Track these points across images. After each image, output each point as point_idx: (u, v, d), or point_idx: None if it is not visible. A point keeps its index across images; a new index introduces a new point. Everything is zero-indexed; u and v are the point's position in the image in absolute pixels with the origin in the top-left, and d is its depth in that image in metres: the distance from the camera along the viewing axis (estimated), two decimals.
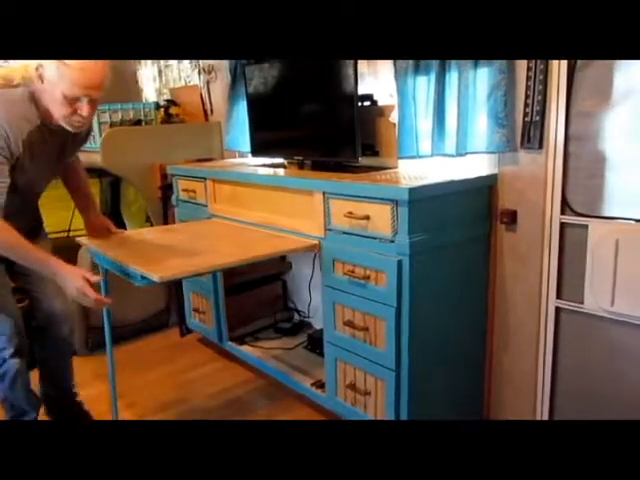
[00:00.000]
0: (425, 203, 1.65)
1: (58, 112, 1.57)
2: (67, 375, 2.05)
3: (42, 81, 1.53)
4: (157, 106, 3.16)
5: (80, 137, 1.82)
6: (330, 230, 1.87)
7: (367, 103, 2.18)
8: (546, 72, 1.66)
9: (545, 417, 1.86)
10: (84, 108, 1.56)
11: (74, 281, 1.57)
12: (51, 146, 1.70)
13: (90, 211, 1.98)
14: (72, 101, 1.54)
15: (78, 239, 1.95)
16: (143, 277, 1.59)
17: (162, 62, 3.54)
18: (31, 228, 1.80)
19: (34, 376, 1.97)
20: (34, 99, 1.59)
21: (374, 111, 2.19)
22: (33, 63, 1.54)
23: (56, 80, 1.50)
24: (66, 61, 1.47)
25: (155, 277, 1.55)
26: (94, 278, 1.61)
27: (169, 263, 1.69)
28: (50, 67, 1.50)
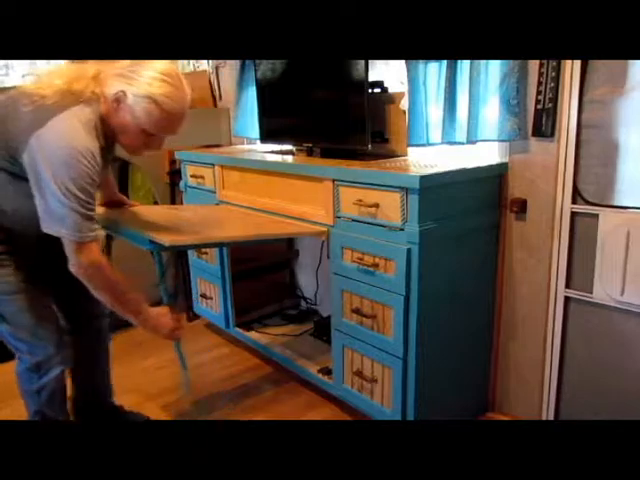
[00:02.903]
0: (435, 191, 1.64)
1: (127, 140, 1.49)
2: (107, 377, 1.97)
3: (118, 104, 1.41)
4: None
5: None
6: (339, 217, 1.87)
7: (377, 90, 2.17)
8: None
9: (552, 408, 1.86)
10: (157, 145, 1.51)
11: (165, 325, 1.63)
12: (104, 164, 1.56)
13: (109, 187, 1.95)
14: (148, 135, 1.46)
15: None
16: (152, 242, 1.59)
17: None
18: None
19: None
20: (102, 119, 1.45)
21: (384, 98, 2.17)
22: (112, 83, 1.40)
23: (140, 114, 1.40)
24: (157, 99, 1.38)
25: (165, 242, 1.54)
26: (180, 317, 1.67)
27: (178, 233, 1.69)
28: (136, 99, 1.38)
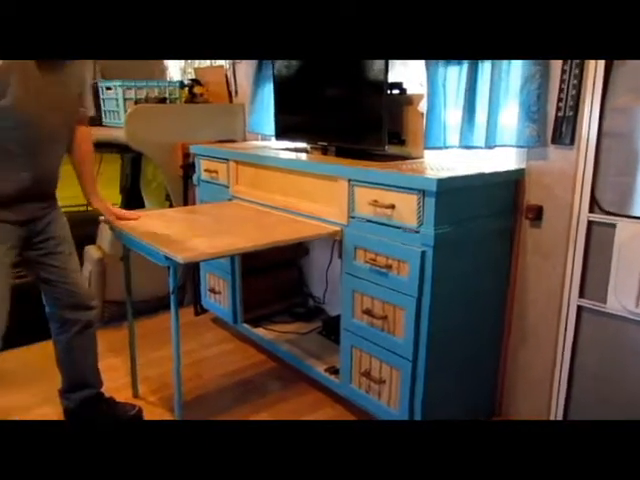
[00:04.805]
0: (452, 195, 1.64)
1: None
2: (95, 369, 1.99)
3: None
4: (182, 85, 3.16)
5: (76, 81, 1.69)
6: (353, 217, 1.86)
7: (396, 91, 2.16)
8: (582, 66, 1.63)
9: (559, 417, 1.85)
10: None
11: None
12: (53, 86, 1.58)
13: (87, 182, 1.91)
14: None
15: (102, 218, 1.96)
16: (167, 258, 1.62)
17: None
18: (41, 191, 1.70)
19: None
20: None
21: (402, 99, 2.16)
22: None
23: None
24: None
25: (179, 258, 1.57)
26: None
27: (192, 244, 1.70)
28: None
